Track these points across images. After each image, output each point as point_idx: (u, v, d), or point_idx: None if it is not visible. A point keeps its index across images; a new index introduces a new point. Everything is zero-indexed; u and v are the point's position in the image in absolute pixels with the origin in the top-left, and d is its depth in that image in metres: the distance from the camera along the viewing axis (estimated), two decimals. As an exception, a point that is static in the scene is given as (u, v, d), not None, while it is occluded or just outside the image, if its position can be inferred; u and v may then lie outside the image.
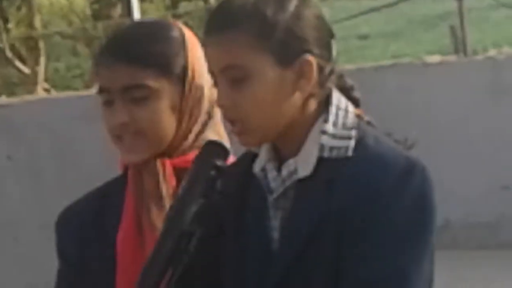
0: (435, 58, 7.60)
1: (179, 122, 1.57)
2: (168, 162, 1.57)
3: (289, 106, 1.40)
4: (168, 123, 1.55)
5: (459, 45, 7.49)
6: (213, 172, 1.42)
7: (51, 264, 1.77)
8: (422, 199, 1.38)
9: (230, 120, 1.42)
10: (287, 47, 1.38)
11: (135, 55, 1.53)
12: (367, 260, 1.33)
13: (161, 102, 1.54)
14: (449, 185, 5.69)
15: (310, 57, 1.38)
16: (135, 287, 1.35)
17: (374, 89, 5.53)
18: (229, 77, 1.38)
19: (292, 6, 1.40)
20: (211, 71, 1.43)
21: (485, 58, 7.28)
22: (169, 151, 1.57)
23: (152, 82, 1.53)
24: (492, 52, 7.63)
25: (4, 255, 6.64)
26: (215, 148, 1.46)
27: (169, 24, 1.64)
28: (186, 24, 1.76)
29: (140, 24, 1.86)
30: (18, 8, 10.23)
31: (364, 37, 16.20)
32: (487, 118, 6.65)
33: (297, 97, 1.40)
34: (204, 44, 1.47)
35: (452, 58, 7.69)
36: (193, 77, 1.58)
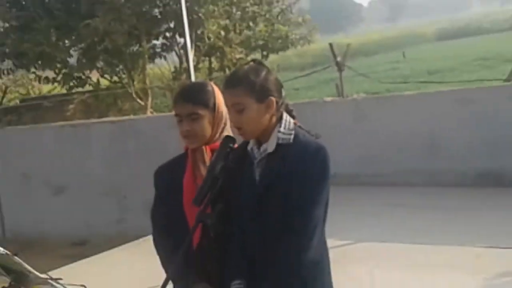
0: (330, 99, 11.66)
1: (212, 129, 3.04)
2: (208, 147, 3.05)
3: (263, 121, 2.84)
4: (207, 130, 3.03)
5: (340, 93, 11.78)
6: (228, 150, 2.89)
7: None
8: (324, 164, 2.83)
9: (236, 128, 2.87)
10: (261, 94, 2.82)
11: (192, 99, 3.02)
12: (299, 189, 2.78)
13: (204, 120, 3.01)
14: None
15: (272, 98, 2.84)
16: (193, 199, 2.82)
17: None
18: (235, 109, 2.83)
19: (263, 73, 2.86)
20: (226, 105, 2.91)
21: (352, 99, 11.18)
22: (208, 142, 3.05)
23: (200, 111, 3.00)
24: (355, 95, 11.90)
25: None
26: (229, 139, 2.93)
27: (207, 83, 3.18)
28: (215, 83, 3.27)
29: (194, 83, 3.49)
30: (138, 74, 16.99)
31: (296, 89, 26.93)
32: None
33: (267, 116, 2.84)
34: (223, 92, 2.92)
35: (336, 98, 11.57)
36: (218, 108, 3.04)
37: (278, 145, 2.85)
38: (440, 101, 10.19)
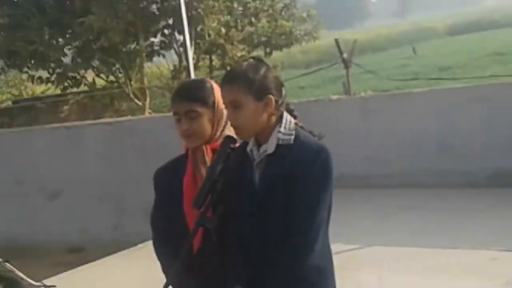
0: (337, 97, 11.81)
1: (212, 127, 3.03)
2: (208, 146, 3.04)
3: (261, 120, 2.84)
4: (207, 128, 3.02)
5: (346, 91, 12.22)
6: (228, 150, 2.89)
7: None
8: (326, 165, 2.83)
9: (232, 126, 2.89)
10: (260, 91, 2.82)
11: (190, 96, 3.01)
12: (301, 191, 2.79)
13: (203, 118, 3.00)
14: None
15: (271, 97, 2.83)
16: (192, 202, 2.81)
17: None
18: (231, 106, 2.83)
19: (262, 70, 2.86)
20: (224, 102, 2.88)
21: (359, 97, 11.62)
22: (208, 141, 3.03)
23: (198, 109, 2.99)
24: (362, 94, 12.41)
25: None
26: (230, 139, 2.92)
27: (206, 80, 3.16)
28: (216, 82, 3.15)
29: (193, 80, 3.44)
30: (136, 73, 17.12)
31: (302, 87, 27.15)
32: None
33: (265, 116, 2.84)
34: (220, 89, 2.91)
35: (343, 97, 11.86)
36: (218, 106, 3.02)
37: (278, 146, 2.85)
38: (452, 98, 10.20)
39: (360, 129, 10.34)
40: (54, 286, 3.13)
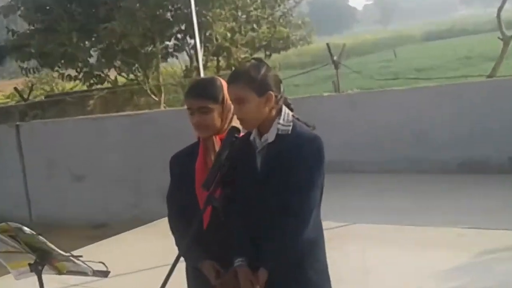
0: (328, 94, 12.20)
1: (221, 120, 3.02)
2: (218, 136, 3.04)
3: (263, 113, 2.85)
4: (217, 121, 3.01)
5: (336, 88, 12.19)
6: (234, 139, 2.91)
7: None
8: (319, 152, 2.85)
9: (238, 119, 2.89)
10: (261, 88, 2.83)
11: (202, 93, 3.01)
12: (297, 175, 2.80)
13: (214, 113, 3.00)
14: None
15: (271, 93, 2.84)
16: (203, 183, 2.82)
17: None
18: (237, 101, 2.85)
19: (263, 70, 2.87)
20: (230, 98, 2.91)
21: (347, 94, 11.64)
22: (218, 132, 3.03)
23: (210, 105, 2.98)
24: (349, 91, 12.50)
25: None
26: (234, 130, 2.94)
27: (216, 78, 3.13)
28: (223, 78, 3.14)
29: (203, 79, 3.37)
30: (153, 72, 16.98)
31: (297, 85, 26.77)
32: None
33: (266, 109, 2.85)
34: (227, 87, 2.91)
35: (333, 94, 12.10)
36: (226, 101, 3.01)
37: (277, 135, 2.86)
38: (426, 95, 10.20)
39: (347, 121, 10.32)
40: (80, 256, 3.14)
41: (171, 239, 3.12)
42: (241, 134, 2.99)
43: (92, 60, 16.56)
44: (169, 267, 2.70)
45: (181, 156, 3.22)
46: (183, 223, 3.00)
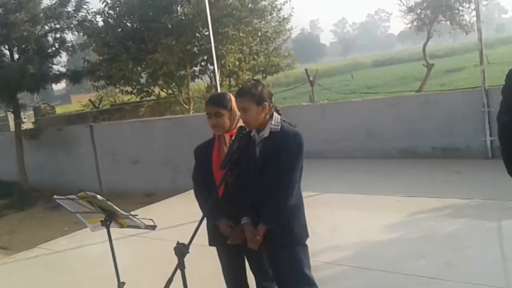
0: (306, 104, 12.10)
1: (230, 122, 3.03)
2: (227, 134, 3.04)
3: (260, 117, 2.85)
4: (227, 123, 3.02)
5: (312, 100, 12.11)
6: (241, 135, 2.89)
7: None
8: (300, 144, 2.82)
9: (243, 122, 2.88)
10: (259, 100, 2.83)
11: (217, 103, 3.02)
12: (284, 160, 2.79)
13: (225, 117, 3.01)
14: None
15: (266, 103, 2.85)
16: (219, 166, 2.82)
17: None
18: (242, 110, 2.85)
19: (260, 87, 2.87)
20: (237, 108, 2.90)
21: (319, 104, 11.54)
22: (228, 130, 3.04)
23: (222, 111, 3.01)
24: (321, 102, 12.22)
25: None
26: (242, 128, 2.91)
27: (226, 93, 3.13)
28: (232, 94, 3.10)
29: (218, 93, 3.30)
30: (184, 89, 16.48)
31: (284, 98, 26.12)
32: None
33: (262, 115, 2.85)
34: (235, 100, 2.92)
35: (309, 104, 12.05)
36: (234, 109, 3.01)
37: (270, 132, 2.87)
38: (375, 105, 10.15)
39: (320, 123, 10.30)
40: (136, 215, 3.14)
41: (197, 204, 3.11)
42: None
43: (142, 80, 16.48)
44: (196, 223, 2.69)
45: (201, 147, 3.21)
46: (204, 194, 3.00)
